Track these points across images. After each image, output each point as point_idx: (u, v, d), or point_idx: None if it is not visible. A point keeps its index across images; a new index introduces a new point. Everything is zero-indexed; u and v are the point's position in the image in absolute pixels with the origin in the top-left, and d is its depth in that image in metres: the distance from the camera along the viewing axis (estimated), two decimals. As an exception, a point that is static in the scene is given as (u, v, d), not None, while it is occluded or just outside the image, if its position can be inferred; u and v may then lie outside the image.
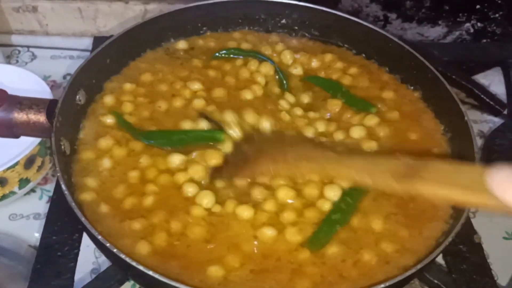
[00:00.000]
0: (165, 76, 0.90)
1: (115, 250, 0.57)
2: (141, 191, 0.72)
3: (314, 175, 0.72)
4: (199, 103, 0.85)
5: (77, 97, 0.79)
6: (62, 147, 0.71)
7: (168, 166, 0.75)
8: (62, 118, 0.72)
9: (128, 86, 0.87)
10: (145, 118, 0.82)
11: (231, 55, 0.96)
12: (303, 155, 0.69)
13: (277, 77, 0.93)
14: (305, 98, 0.89)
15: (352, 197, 0.71)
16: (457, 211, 0.69)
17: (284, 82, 0.92)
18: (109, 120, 0.81)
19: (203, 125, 0.80)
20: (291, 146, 0.73)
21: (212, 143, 0.77)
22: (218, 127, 0.79)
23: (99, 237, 0.58)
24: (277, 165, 0.68)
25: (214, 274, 0.63)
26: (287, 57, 0.96)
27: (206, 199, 0.70)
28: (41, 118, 0.70)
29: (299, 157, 0.68)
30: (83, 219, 0.59)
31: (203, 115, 0.82)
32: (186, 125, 0.81)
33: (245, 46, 0.99)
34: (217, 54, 0.96)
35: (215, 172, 0.73)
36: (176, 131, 0.80)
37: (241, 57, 0.96)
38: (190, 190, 0.72)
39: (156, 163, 0.76)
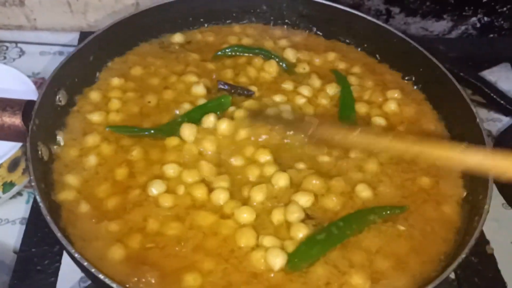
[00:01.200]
0: (158, 70, 0.87)
1: (93, 270, 0.52)
2: (126, 188, 0.70)
3: None
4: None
5: (57, 97, 0.74)
6: (39, 152, 0.67)
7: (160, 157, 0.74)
8: (40, 121, 0.67)
9: (116, 81, 0.84)
10: (134, 114, 0.80)
11: (235, 53, 0.93)
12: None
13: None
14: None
15: (347, 223, 0.66)
16: (467, 225, 0.64)
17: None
18: (96, 117, 0.78)
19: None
20: None
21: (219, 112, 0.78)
22: (239, 93, 0.81)
23: (76, 255, 0.53)
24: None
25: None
26: (289, 56, 0.93)
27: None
28: (16, 121, 0.65)
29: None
30: (59, 234, 0.54)
31: (221, 82, 0.83)
32: (186, 106, 0.80)
33: (245, 41, 0.96)
34: (219, 52, 0.93)
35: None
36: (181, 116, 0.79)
37: (245, 54, 0.92)
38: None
39: (149, 154, 0.74)
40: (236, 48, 0.93)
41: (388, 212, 0.68)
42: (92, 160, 0.72)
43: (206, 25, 0.98)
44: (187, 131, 0.75)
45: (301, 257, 0.63)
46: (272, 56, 0.91)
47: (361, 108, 0.84)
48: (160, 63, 0.88)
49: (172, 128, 0.77)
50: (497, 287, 0.71)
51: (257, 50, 0.93)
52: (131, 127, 0.78)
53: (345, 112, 0.84)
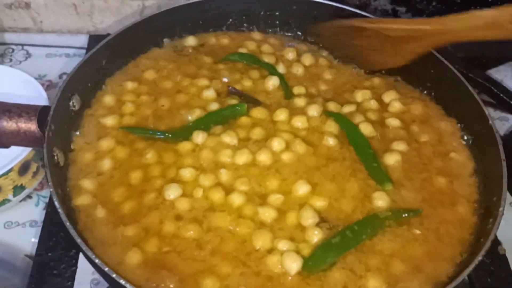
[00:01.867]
0: (171, 73, 0.87)
1: (114, 276, 0.52)
2: (142, 192, 0.70)
3: None
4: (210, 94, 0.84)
5: (71, 102, 0.75)
6: (55, 158, 0.67)
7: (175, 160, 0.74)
8: (55, 127, 0.67)
9: (129, 84, 0.84)
10: (147, 117, 0.80)
11: (244, 61, 0.92)
12: None
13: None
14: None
15: (361, 227, 0.66)
16: (482, 227, 0.65)
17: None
18: (109, 121, 0.78)
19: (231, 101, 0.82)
20: None
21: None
22: (250, 101, 0.82)
23: (97, 260, 0.53)
24: None
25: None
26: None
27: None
28: (32, 126, 0.65)
29: None
30: (79, 240, 0.55)
31: (232, 89, 0.83)
32: (197, 112, 0.80)
33: (265, 48, 0.96)
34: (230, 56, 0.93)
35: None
36: (195, 121, 0.79)
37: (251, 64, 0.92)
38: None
39: (163, 158, 0.74)
40: (244, 56, 0.93)
41: (403, 215, 0.68)
42: (106, 164, 0.72)
43: (223, 28, 0.99)
44: (200, 138, 0.75)
45: (317, 261, 0.63)
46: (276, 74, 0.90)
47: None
48: (172, 66, 0.88)
49: (185, 133, 0.77)
50: (510, 287, 0.71)
51: (262, 64, 0.92)
52: (145, 128, 0.78)
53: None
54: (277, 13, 0.99)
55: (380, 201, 0.70)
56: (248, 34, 0.99)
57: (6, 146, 0.70)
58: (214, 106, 0.81)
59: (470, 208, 0.71)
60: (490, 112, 1.06)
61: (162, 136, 0.77)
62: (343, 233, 0.65)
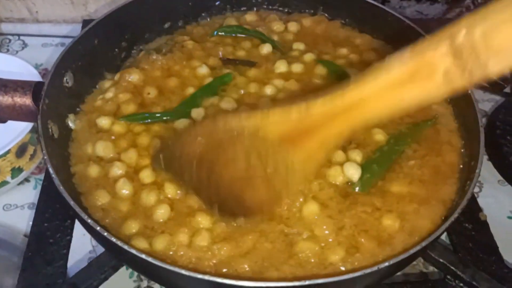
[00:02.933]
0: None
1: (105, 234, 0.55)
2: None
3: None
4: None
5: (65, 79, 0.76)
6: (50, 130, 0.69)
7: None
8: (49, 101, 0.69)
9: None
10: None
11: (233, 34, 0.95)
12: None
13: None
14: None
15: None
16: (462, 185, 0.67)
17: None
18: (104, 121, 0.79)
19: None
20: None
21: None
22: (245, 64, 0.86)
23: (89, 220, 0.56)
24: None
25: None
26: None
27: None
28: (27, 101, 0.67)
29: None
30: (72, 202, 0.57)
31: (224, 58, 0.87)
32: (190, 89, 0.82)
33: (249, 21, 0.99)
34: (217, 32, 0.95)
35: None
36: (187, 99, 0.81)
37: (243, 35, 0.95)
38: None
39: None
40: (234, 29, 0.95)
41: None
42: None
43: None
44: (196, 114, 0.78)
45: (370, 172, 0.70)
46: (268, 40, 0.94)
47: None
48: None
49: (181, 112, 0.80)
50: (491, 251, 0.73)
51: (254, 33, 0.95)
52: (142, 114, 0.79)
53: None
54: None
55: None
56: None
57: (3, 121, 0.72)
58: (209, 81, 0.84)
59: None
60: (479, 94, 1.11)
61: (162, 118, 0.79)
62: (380, 149, 0.73)
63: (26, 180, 0.96)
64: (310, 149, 0.55)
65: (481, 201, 0.86)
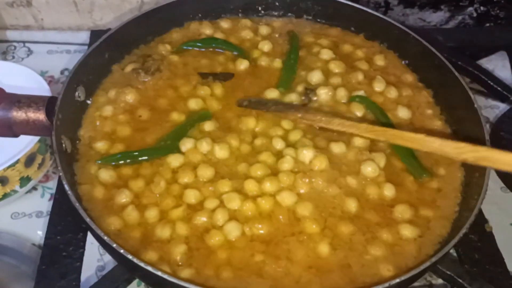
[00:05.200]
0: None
1: (122, 251, 0.55)
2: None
3: None
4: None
5: (77, 93, 0.77)
6: (63, 145, 0.70)
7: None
8: (62, 116, 0.70)
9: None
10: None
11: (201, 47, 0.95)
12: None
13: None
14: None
15: None
16: (467, 200, 0.68)
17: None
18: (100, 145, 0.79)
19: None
20: None
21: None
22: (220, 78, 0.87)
23: (105, 237, 0.56)
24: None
25: None
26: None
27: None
28: (40, 116, 0.68)
29: None
30: (88, 219, 0.58)
31: (201, 73, 0.87)
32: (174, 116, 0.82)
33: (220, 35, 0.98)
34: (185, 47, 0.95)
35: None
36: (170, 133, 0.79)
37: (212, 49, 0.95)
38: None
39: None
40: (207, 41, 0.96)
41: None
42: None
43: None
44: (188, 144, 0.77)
45: None
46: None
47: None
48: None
49: (163, 150, 0.77)
50: (497, 262, 0.74)
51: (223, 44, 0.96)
52: (127, 153, 0.76)
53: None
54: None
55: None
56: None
57: (16, 135, 0.73)
58: (192, 103, 0.84)
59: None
60: (482, 101, 1.11)
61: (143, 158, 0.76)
62: None
63: (34, 188, 0.96)
64: None
65: (484, 208, 0.85)
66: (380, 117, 0.83)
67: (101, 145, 0.76)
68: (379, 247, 0.66)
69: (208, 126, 0.80)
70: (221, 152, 0.75)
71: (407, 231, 0.68)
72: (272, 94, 0.86)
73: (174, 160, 0.75)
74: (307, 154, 0.74)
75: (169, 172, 0.73)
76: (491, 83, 1.09)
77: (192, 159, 0.75)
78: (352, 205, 0.70)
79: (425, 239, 0.68)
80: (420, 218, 0.70)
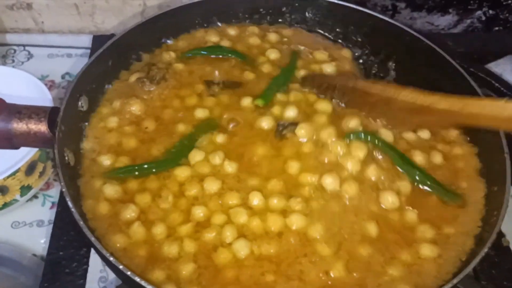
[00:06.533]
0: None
1: (129, 273, 0.53)
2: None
3: None
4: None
5: (80, 103, 0.75)
6: (66, 158, 0.67)
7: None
8: (65, 127, 0.68)
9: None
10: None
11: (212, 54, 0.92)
12: None
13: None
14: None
15: None
16: (488, 215, 0.66)
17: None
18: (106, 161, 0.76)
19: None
20: None
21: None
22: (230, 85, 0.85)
23: (111, 258, 0.54)
24: None
25: None
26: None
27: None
28: (42, 127, 0.66)
29: None
30: (93, 239, 0.55)
31: (208, 81, 0.85)
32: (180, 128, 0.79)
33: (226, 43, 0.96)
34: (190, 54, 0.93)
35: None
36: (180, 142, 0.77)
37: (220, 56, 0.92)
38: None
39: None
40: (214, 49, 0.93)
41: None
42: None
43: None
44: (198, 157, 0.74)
45: None
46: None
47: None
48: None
49: (170, 162, 0.75)
50: (514, 278, 0.72)
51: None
52: (131, 167, 0.74)
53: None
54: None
55: None
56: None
57: (16, 147, 0.70)
58: (199, 112, 0.81)
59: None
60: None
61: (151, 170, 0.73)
62: None
63: (35, 196, 0.95)
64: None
65: None
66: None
67: (106, 158, 0.74)
68: (397, 268, 0.64)
69: (220, 138, 0.77)
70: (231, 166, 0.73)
71: (428, 251, 0.65)
72: (245, 101, 0.83)
73: (182, 173, 0.72)
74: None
75: (176, 185, 0.71)
76: (503, 89, 1.08)
77: (200, 172, 0.72)
78: (372, 230, 0.68)
79: (447, 256, 0.65)
80: (442, 236, 0.68)
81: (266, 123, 0.79)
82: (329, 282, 0.62)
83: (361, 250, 0.65)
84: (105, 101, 0.82)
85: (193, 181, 0.71)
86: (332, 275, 0.63)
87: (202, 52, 0.93)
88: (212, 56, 0.91)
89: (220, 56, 0.92)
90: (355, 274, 0.63)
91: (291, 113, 0.80)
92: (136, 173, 0.72)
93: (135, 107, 0.80)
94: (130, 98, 0.81)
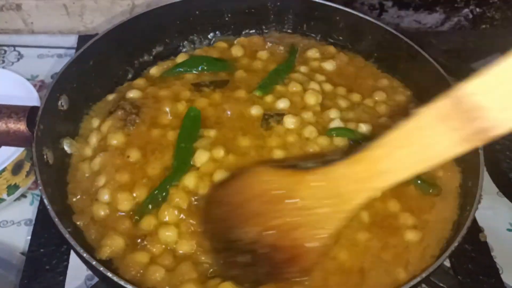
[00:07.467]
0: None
1: (101, 269, 0.54)
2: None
3: None
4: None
5: (60, 102, 0.75)
6: (45, 157, 0.68)
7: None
8: (44, 127, 0.68)
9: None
10: None
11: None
12: None
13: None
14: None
15: None
16: (463, 207, 0.66)
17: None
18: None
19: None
20: None
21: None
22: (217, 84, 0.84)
23: (85, 254, 0.55)
24: None
25: None
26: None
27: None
28: (21, 127, 0.66)
29: None
30: (67, 235, 0.56)
31: (195, 84, 0.84)
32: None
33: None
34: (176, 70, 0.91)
35: None
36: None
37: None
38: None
39: None
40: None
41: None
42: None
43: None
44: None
45: None
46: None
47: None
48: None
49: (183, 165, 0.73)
50: (491, 273, 0.73)
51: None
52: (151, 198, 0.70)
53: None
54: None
55: None
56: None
57: (-4, 146, 0.71)
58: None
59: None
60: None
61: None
62: None
63: (23, 195, 0.95)
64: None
65: (479, 213, 0.83)
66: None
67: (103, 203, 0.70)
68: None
69: (212, 132, 0.77)
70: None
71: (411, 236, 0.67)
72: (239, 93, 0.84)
73: (190, 179, 0.71)
74: None
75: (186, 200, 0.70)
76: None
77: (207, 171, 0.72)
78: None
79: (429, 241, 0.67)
80: (422, 222, 0.69)
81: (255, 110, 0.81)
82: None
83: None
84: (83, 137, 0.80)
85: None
86: None
87: (178, 69, 0.90)
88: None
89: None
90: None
91: (281, 104, 0.82)
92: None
93: (117, 141, 0.76)
94: (114, 132, 0.77)
